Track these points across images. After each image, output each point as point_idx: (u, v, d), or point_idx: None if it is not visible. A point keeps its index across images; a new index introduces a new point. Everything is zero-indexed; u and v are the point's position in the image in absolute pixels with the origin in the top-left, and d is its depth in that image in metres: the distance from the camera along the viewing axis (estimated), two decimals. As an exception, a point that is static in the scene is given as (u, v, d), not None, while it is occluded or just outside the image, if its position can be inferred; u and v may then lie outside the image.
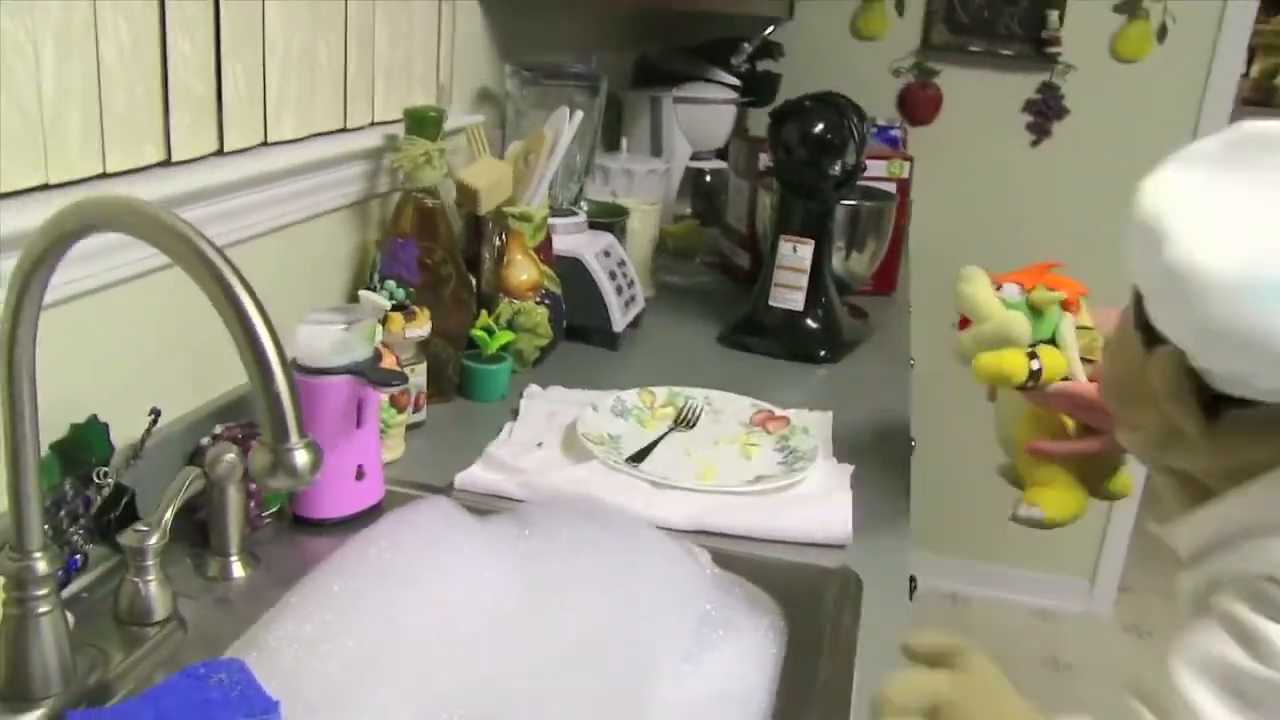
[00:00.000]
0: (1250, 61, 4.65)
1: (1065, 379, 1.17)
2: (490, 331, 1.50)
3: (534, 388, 1.52)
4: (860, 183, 2.01)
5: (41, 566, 0.77)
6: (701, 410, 1.46)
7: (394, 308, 1.30)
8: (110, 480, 0.96)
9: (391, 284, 1.38)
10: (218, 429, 1.11)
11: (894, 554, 1.19)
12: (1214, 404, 0.82)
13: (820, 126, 1.74)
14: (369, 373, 1.09)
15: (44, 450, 0.93)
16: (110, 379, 1.03)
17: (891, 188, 2.19)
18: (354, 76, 1.42)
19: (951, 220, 3.21)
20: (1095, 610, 3.64)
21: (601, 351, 1.74)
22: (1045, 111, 3.14)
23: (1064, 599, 3.59)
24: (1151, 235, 0.79)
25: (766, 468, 1.32)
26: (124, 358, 1.05)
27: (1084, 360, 1.17)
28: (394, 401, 1.26)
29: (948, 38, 3.15)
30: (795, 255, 1.79)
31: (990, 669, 0.84)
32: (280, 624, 0.91)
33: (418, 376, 1.35)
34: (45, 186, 0.94)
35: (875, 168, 2.17)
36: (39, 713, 0.79)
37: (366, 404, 1.12)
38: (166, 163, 1.10)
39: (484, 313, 1.52)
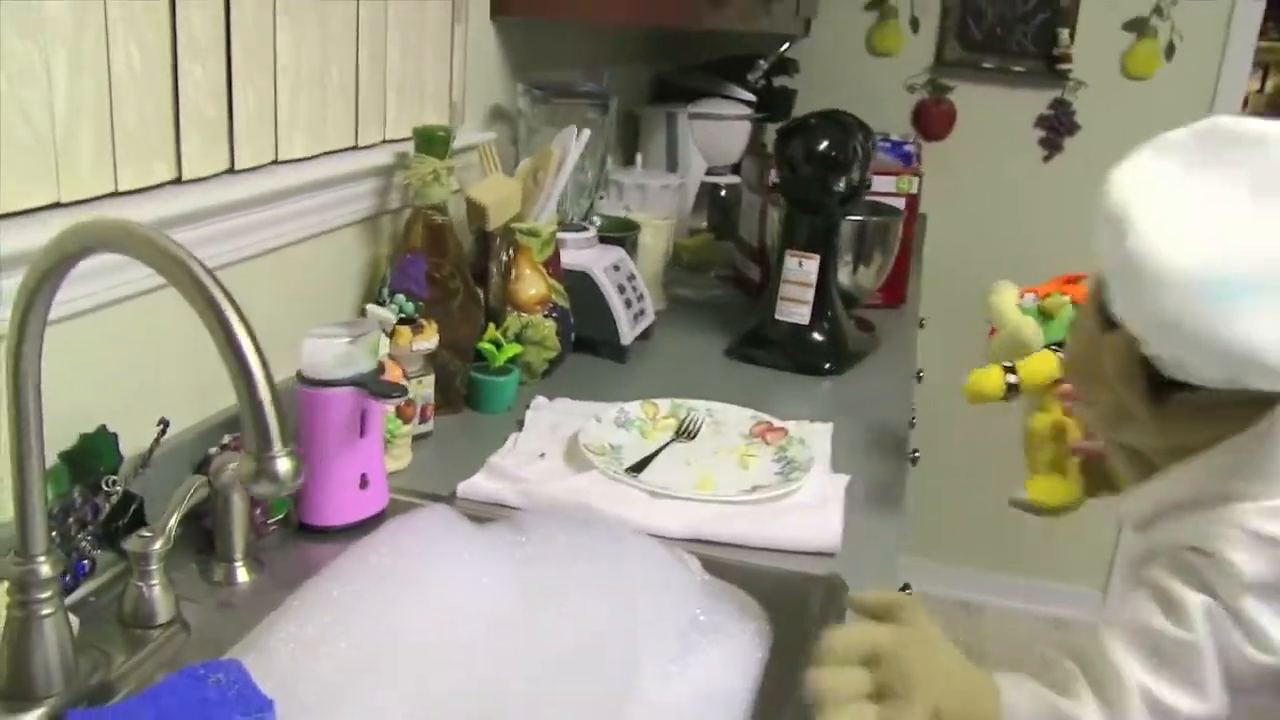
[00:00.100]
0: (1264, 78, 4.65)
1: (1059, 381, 1.22)
2: (498, 344, 1.53)
3: (540, 399, 1.55)
4: (868, 198, 2.04)
5: (45, 570, 0.81)
6: (703, 422, 1.49)
7: (403, 321, 1.34)
8: (118, 488, 1.00)
9: (401, 298, 1.41)
10: (226, 439, 1.14)
11: (885, 561, 1.21)
12: (1161, 387, 0.86)
13: (825, 144, 1.76)
14: (371, 385, 1.12)
15: (54, 459, 0.97)
16: (121, 391, 1.07)
17: (900, 203, 2.21)
18: (365, 96, 1.46)
19: (965, 234, 3.23)
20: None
21: (609, 364, 1.77)
22: (1057, 127, 3.16)
23: (1077, 608, 3.59)
24: (1117, 224, 0.82)
25: (763, 478, 1.34)
26: (134, 370, 1.09)
27: None
28: (400, 412, 1.29)
29: (961, 54, 3.18)
30: (801, 270, 1.82)
31: (930, 623, 0.87)
32: (281, 626, 0.94)
33: (425, 388, 1.38)
34: (57, 205, 0.98)
35: (884, 183, 2.19)
36: (40, 711, 0.82)
37: (370, 415, 1.16)
38: (178, 181, 1.13)
39: (492, 326, 1.56)
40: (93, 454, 1.00)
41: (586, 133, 1.69)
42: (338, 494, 1.15)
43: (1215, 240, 0.79)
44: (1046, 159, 3.21)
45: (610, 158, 2.30)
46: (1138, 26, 3.05)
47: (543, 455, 1.36)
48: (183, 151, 1.13)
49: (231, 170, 1.21)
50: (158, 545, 0.94)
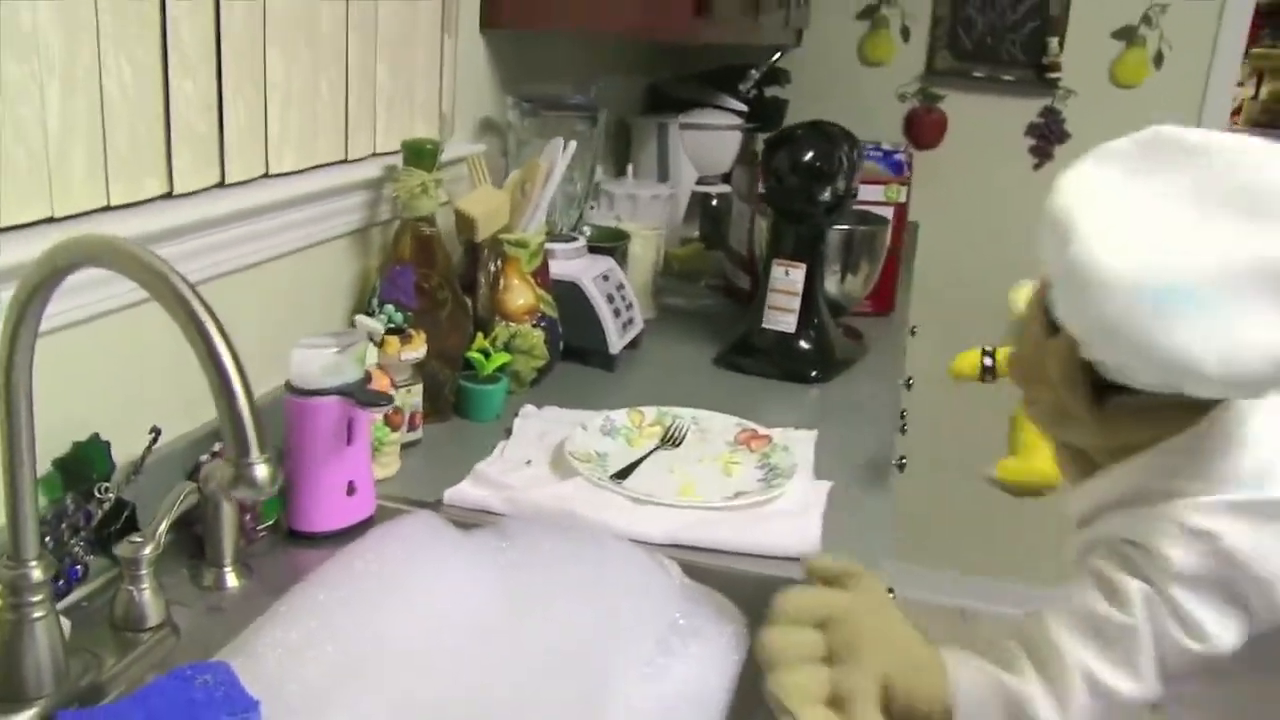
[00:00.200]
0: (1259, 85, 4.68)
1: None
2: (486, 353, 1.55)
3: (529, 408, 1.57)
4: (856, 207, 2.06)
5: (36, 574, 0.83)
6: (688, 429, 1.51)
7: (392, 331, 1.36)
8: (111, 495, 1.02)
9: (390, 308, 1.44)
10: (217, 446, 1.16)
11: (867, 565, 1.22)
12: (1103, 389, 0.89)
13: (810, 154, 1.79)
14: (357, 394, 1.15)
15: (48, 467, 0.99)
16: (113, 400, 1.09)
17: (889, 212, 2.24)
18: (355, 109, 1.48)
19: (957, 242, 3.25)
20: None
21: (598, 372, 1.80)
22: (1047, 135, 3.19)
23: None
24: (1061, 230, 0.84)
25: (746, 484, 1.37)
26: (127, 380, 1.11)
27: None
28: (388, 421, 1.31)
29: (952, 63, 3.21)
30: (787, 279, 1.84)
31: (884, 594, 0.90)
32: (268, 631, 0.97)
33: (414, 397, 1.41)
34: (50, 219, 1.00)
35: (873, 192, 2.22)
36: (31, 712, 0.85)
37: (357, 423, 1.18)
38: (169, 195, 1.16)
39: (480, 335, 1.58)
40: (85, 462, 1.02)
41: (573, 145, 1.71)
42: (325, 501, 1.18)
43: (1156, 249, 0.81)
44: (1037, 167, 3.24)
45: (601, 168, 2.33)
46: (1126, 35, 3.08)
47: (529, 463, 1.39)
48: (174, 166, 1.15)
49: (222, 184, 1.24)
50: (148, 550, 0.97)
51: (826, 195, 1.80)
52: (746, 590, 1.11)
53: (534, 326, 1.64)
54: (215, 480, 1.05)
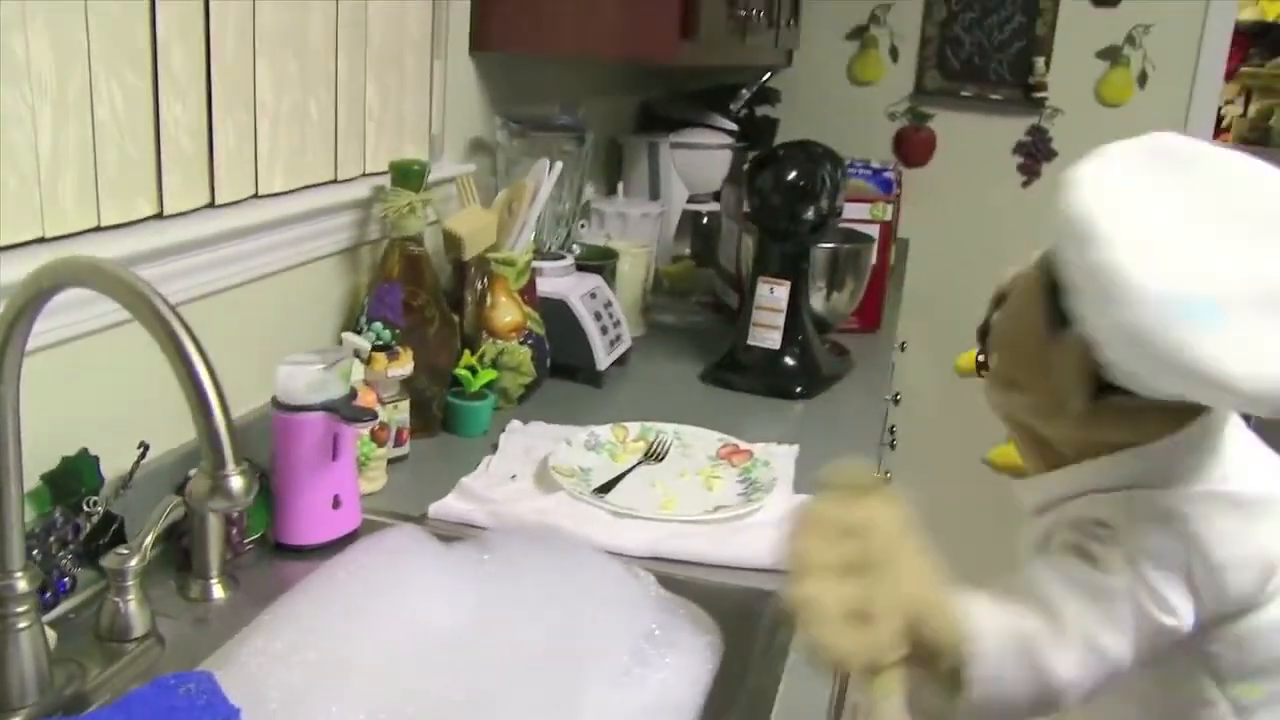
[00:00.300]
0: (1247, 102, 4.74)
1: None
2: (473, 370, 1.58)
3: (515, 423, 1.60)
4: (843, 224, 2.09)
5: (21, 585, 0.86)
6: (671, 444, 1.54)
7: (379, 348, 1.39)
8: (99, 508, 1.05)
9: (378, 326, 1.46)
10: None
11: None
12: (1098, 388, 0.91)
13: (794, 174, 1.82)
14: (342, 409, 1.18)
15: (36, 481, 1.02)
16: (102, 416, 1.12)
17: (875, 229, 2.26)
18: (344, 130, 1.51)
19: (946, 258, 3.29)
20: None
21: (586, 389, 1.82)
22: (1035, 153, 3.23)
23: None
24: (1083, 233, 0.84)
25: (726, 499, 1.39)
26: (116, 396, 1.14)
27: None
28: (374, 436, 1.34)
29: (940, 83, 3.25)
30: (772, 296, 1.87)
31: (906, 509, 0.86)
32: (252, 640, 0.99)
33: (400, 413, 1.43)
34: (41, 240, 1.03)
35: (859, 210, 2.26)
36: (15, 720, 0.87)
37: (342, 438, 1.21)
38: (159, 216, 1.18)
39: (467, 352, 1.61)
40: (74, 476, 1.04)
41: (559, 165, 1.74)
42: (311, 514, 1.20)
43: (1184, 261, 0.82)
44: (1025, 184, 3.28)
45: (591, 187, 2.36)
46: (1111, 55, 3.13)
47: (514, 477, 1.41)
48: (164, 187, 1.18)
49: (212, 205, 1.26)
50: (133, 562, 0.99)
51: (810, 214, 1.83)
52: (722, 602, 1.14)
53: (521, 343, 1.67)
54: (193, 491, 1.08)
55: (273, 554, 1.21)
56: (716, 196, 2.78)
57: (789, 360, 1.88)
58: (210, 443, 0.71)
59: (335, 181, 1.51)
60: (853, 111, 3.30)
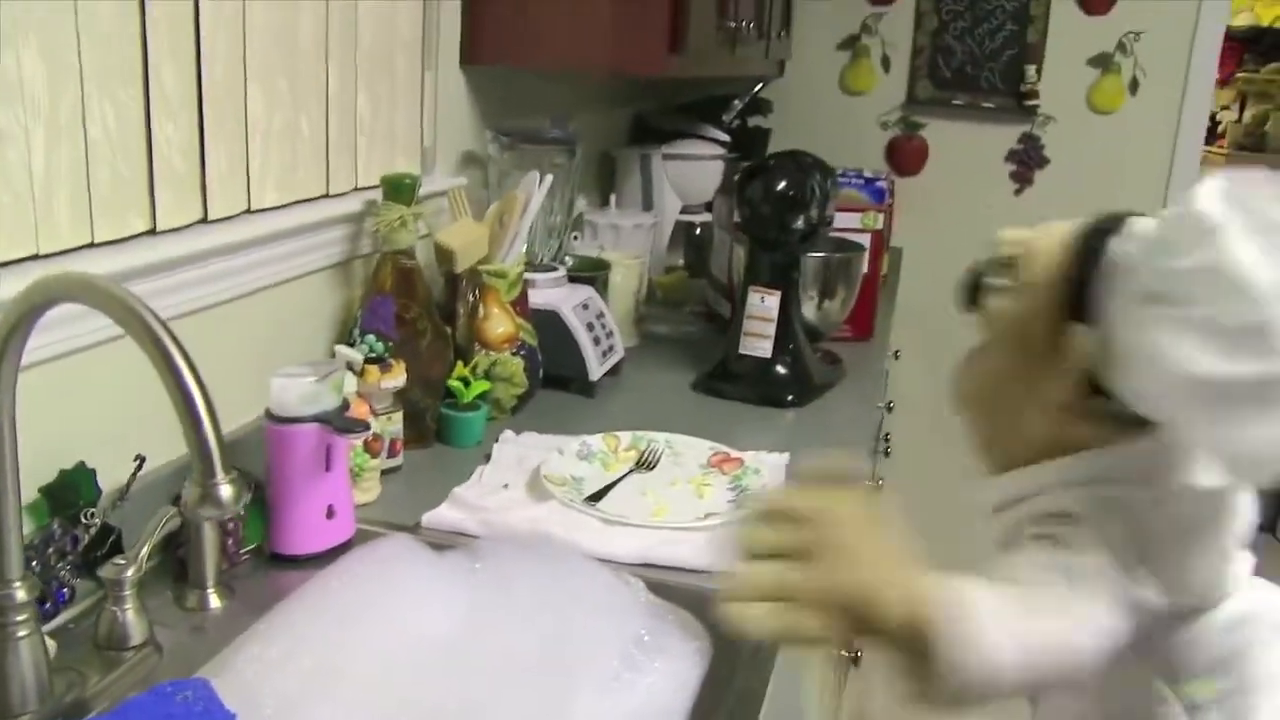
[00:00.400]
0: (1242, 108, 4.76)
1: None
2: (466, 381, 1.59)
3: (508, 433, 1.61)
4: (834, 234, 2.11)
5: (20, 595, 0.88)
6: (662, 453, 1.55)
7: (372, 360, 1.40)
8: (97, 520, 1.06)
9: (371, 338, 1.48)
10: (200, 474, 1.21)
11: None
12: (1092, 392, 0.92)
13: (784, 184, 1.83)
14: (335, 421, 1.19)
15: (35, 494, 1.04)
16: (100, 429, 1.13)
17: (867, 238, 2.28)
18: (336, 145, 1.53)
19: (940, 266, 3.27)
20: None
21: (579, 399, 1.84)
22: (1027, 161, 3.25)
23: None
24: (1204, 228, 0.81)
25: (716, 506, 1.41)
26: (113, 410, 1.15)
27: None
28: (367, 447, 1.35)
29: (932, 92, 3.28)
30: (763, 305, 1.89)
31: (868, 501, 0.83)
32: (248, 648, 1.01)
33: (393, 425, 1.45)
34: (36, 256, 1.05)
35: (850, 220, 2.27)
36: (15, 728, 0.89)
37: (335, 449, 1.22)
38: (152, 232, 1.20)
39: (460, 364, 1.62)
40: (72, 488, 1.06)
41: (549, 178, 1.76)
42: (305, 524, 1.22)
43: None
44: (1018, 192, 3.30)
45: (584, 199, 2.38)
46: (1102, 63, 3.15)
47: (506, 486, 1.43)
48: (157, 204, 1.20)
49: (205, 220, 1.28)
50: (130, 572, 1.01)
51: (800, 223, 1.85)
52: (710, 606, 1.15)
53: (513, 354, 1.68)
54: (184, 500, 1.09)
55: (268, 564, 1.22)
56: (709, 207, 2.80)
57: (780, 369, 1.90)
58: (200, 452, 0.73)
59: (327, 196, 1.53)
60: (845, 121, 3.32)
